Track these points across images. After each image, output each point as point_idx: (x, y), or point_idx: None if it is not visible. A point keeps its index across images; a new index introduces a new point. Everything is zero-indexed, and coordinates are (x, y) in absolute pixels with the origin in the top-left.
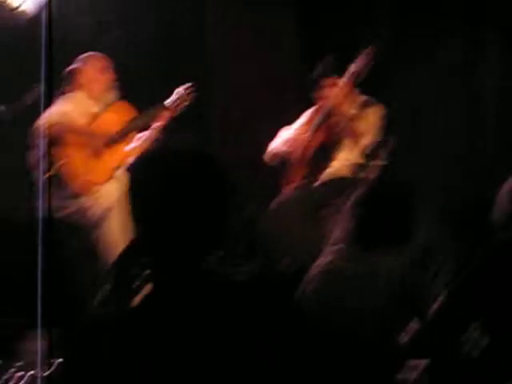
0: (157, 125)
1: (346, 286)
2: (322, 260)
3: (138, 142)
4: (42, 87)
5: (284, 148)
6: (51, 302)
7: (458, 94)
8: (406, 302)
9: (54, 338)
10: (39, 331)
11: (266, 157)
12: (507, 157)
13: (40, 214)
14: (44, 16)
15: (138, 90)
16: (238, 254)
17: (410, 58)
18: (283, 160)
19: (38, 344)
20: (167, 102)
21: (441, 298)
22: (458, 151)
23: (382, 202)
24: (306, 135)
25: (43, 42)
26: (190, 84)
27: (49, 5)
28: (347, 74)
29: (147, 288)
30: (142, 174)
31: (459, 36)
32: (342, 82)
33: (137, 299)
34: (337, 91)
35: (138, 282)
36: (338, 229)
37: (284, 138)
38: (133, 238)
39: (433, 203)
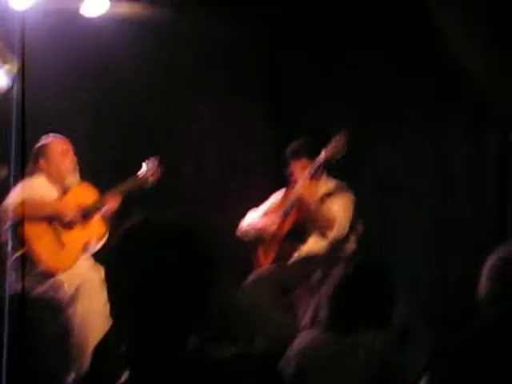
0: (111, 205)
1: (325, 368)
2: (299, 342)
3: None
4: (13, 166)
5: (257, 226)
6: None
7: (427, 170)
8: (387, 379)
9: None
10: None
11: (239, 232)
12: (480, 230)
13: (7, 291)
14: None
15: (100, 172)
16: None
17: (379, 137)
18: (256, 237)
19: None
20: (139, 173)
21: (423, 381)
22: (431, 228)
23: (358, 285)
24: (278, 218)
25: (14, 121)
26: (156, 158)
27: (22, 84)
28: (316, 161)
29: (125, 374)
30: (119, 253)
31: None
32: (309, 170)
33: None
34: (304, 182)
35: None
36: (314, 310)
37: (257, 217)
38: (112, 320)
39: (407, 282)
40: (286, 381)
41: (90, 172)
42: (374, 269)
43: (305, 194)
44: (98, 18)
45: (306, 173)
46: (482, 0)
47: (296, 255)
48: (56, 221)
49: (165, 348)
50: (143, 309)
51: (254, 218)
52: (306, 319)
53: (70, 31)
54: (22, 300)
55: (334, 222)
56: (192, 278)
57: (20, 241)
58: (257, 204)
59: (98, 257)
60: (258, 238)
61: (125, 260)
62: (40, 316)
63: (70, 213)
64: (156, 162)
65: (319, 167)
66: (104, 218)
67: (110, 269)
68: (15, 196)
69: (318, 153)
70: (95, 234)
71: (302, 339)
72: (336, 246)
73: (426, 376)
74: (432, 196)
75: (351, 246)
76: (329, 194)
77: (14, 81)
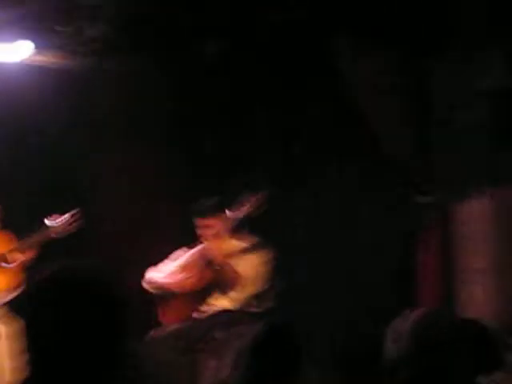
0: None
1: None
2: None
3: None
4: None
5: (159, 282)
6: None
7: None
8: None
9: None
10: None
11: (145, 284)
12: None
13: None
14: None
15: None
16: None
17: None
18: (163, 291)
19: None
20: (51, 223)
21: None
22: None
23: (267, 351)
24: (189, 276)
25: None
26: (72, 212)
27: None
28: (233, 217)
29: None
30: (32, 304)
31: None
32: (224, 226)
33: None
34: (214, 238)
35: None
36: (217, 370)
37: (166, 271)
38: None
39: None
40: None
41: (7, 219)
42: (287, 331)
43: (211, 249)
44: (15, 64)
45: (218, 229)
46: None
47: (199, 313)
48: None
49: None
50: (58, 358)
51: (155, 274)
52: (207, 377)
53: None
54: None
55: (237, 280)
56: (103, 325)
57: None
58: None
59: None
60: (162, 294)
61: (37, 311)
62: None
63: None
64: (70, 216)
65: (234, 224)
66: (20, 267)
67: (27, 319)
68: None
69: (222, 211)
70: (10, 283)
71: None
72: (245, 303)
73: None
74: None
75: (267, 303)
76: (242, 252)
77: None
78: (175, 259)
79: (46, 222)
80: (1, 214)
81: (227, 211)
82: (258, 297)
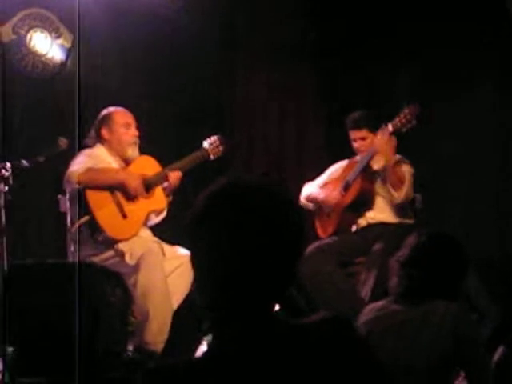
0: (173, 179)
1: (395, 336)
2: (369, 311)
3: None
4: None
5: (319, 198)
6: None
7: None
8: (458, 351)
9: None
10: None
11: (301, 201)
12: None
13: (77, 259)
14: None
15: (161, 145)
16: None
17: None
18: (316, 208)
19: None
20: (201, 148)
21: (500, 351)
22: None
23: (432, 255)
24: (339, 188)
25: (76, 94)
26: (219, 136)
27: (78, 53)
28: (388, 128)
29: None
30: (207, 211)
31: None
32: (387, 132)
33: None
34: (384, 136)
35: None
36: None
37: (316, 187)
38: (196, 281)
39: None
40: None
41: (151, 147)
42: (448, 240)
43: (385, 147)
44: None
45: (385, 131)
46: None
47: (356, 226)
48: (119, 191)
49: (250, 311)
50: (230, 271)
51: (312, 190)
52: (366, 289)
53: (127, 6)
54: (83, 268)
55: (403, 182)
56: (285, 241)
57: (82, 209)
58: (312, 179)
59: (157, 231)
60: (319, 209)
61: (212, 222)
62: (101, 285)
63: (133, 182)
64: (218, 140)
65: (393, 132)
66: (166, 191)
67: (196, 229)
68: (77, 165)
69: (379, 124)
70: (157, 206)
71: (371, 308)
72: (398, 215)
73: (501, 349)
74: (490, 169)
75: (411, 220)
76: (397, 162)
77: (67, 55)
78: (326, 174)
79: (204, 143)
80: (138, 140)
81: (377, 124)
82: (406, 211)
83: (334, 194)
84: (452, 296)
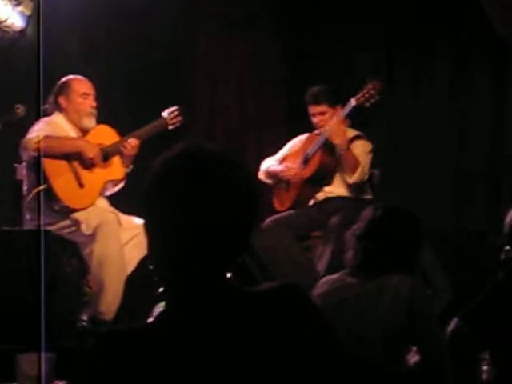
0: (131, 148)
1: (349, 310)
2: (323, 283)
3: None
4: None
5: (277, 170)
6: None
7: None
8: (411, 325)
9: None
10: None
11: (260, 175)
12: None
13: (41, 227)
14: (33, 32)
15: (119, 115)
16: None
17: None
18: (276, 181)
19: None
20: (159, 117)
21: (454, 323)
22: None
23: (388, 228)
24: (298, 162)
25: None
26: (177, 107)
27: (38, 21)
28: (348, 105)
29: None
30: (162, 176)
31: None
32: (341, 113)
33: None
34: (336, 121)
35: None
36: (331, 254)
37: (275, 161)
38: (149, 246)
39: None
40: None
41: (109, 116)
42: (404, 214)
43: (337, 132)
44: None
45: (338, 114)
46: None
47: (314, 199)
48: (76, 160)
49: (204, 276)
50: (184, 235)
51: (272, 163)
52: (322, 262)
53: None
54: (39, 237)
55: (358, 165)
56: (241, 207)
57: (39, 177)
58: (271, 154)
59: (113, 201)
60: (278, 182)
61: (166, 185)
62: (56, 254)
63: (91, 151)
64: (177, 110)
65: (349, 112)
66: (123, 161)
67: (150, 195)
68: (34, 133)
69: (338, 99)
70: (114, 175)
71: (325, 281)
72: (355, 191)
73: (454, 321)
74: (448, 146)
75: (368, 196)
76: (351, 139)
77: (27, 22)
78: (286, 149)
79: (163, 113)
80: (96, 110)
81: (336, 99)
82: (363, 186)
83: (292, 167)
84: (407, 270)
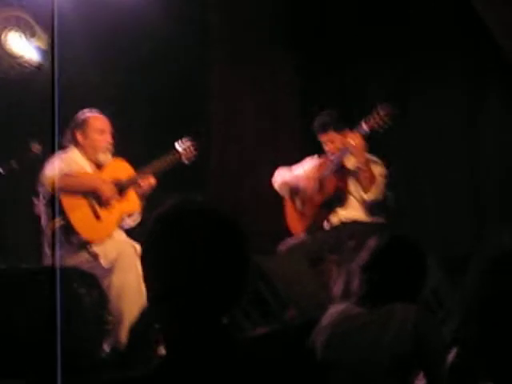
0: (147, 182)
1: (355, 340)
2: (330, 314)
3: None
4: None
5: (292, 182)
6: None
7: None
8: (417, 352)
9: None
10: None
11: (275, 185)
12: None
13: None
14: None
15: (133, 149)
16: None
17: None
18: (290, 192)
19: None
20: (173, 151)
21: (454, 351)
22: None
23: (391, 257)
24: (315, 184)
25: (56, 96)
26: (191, 138)
27: (52, 57)
28: (360, 129)
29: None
30: (154, 237)
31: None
32: (357, 134)
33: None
34: (356, 137)
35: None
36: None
37: (292, 173)
38: (148, 298)
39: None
40: (316, 354)
41: (124, 148)
42: (407, 242)
43: (357, 149)
44: None
45: (359, 132)
46: None
47: (330, 223)
48: (92, 194)
49: (199, 326)
50: (179, 289)
51: (288, 173)
52: (336, 289)
53: (102, 5)
54: (57, 271)
55: (374, 181)
56: (225, 257)
57: (56, 212)
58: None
59: (131, 234)
60: (291, 202)
61: (159, 243)
62: (75, 288)
63: (107, 190)
64: (190, 142)
65: (366, 132)
66: (140, 194)
67: (147, 251)
68: (51, 169)
69: (344, 123)
70: (131, 208)
71: (333, 311)
72: (370, 212)
73: (454, 351)
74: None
75: (381, 220)
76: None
77: (43, 55)
78: (302, 167)
79: (177, 145)
80: (112, 145)
81: (343, 126)
82: (379, 208)
83: (313, 178)
84: (412, 298)
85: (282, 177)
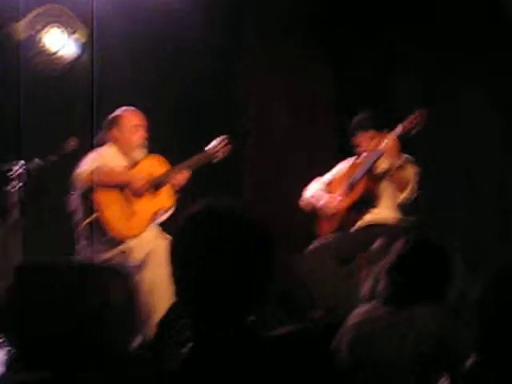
0: (180, 179)
1: (378, 341)
2: (355, 314)
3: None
4: (92, 135)
5: (319, 202)
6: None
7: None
8: (441, 354)
9: None
10: None
11: (302, 203)
12: None
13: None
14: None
15: (169, 146)
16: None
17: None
18: (318, 211)
19: None
20: (207, 148)
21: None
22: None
23: (417, 260)
24: (343, 190)
25: (94, 92)
26: (226, 136)
27: (91, 53)
28: (397, 131)
29: (188, 346)
30: (184, 235)
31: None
32: (395, 131)
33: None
34: (392, 137)
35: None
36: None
37: (321, 187)
38: (175, 295)
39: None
40: (341, 354)
41: (159, 145)
42: (434, 245)
43: (392, 149)
44: None
45: (393, 133)
46: None
47: (359, 223)
48: (126, 189)
49: (225, 323)
50: (205, 288)
51: (317, 189)
52: (365, 290)
53: (140, 2)
54: (91, 266)
55: (408, 182)
56: (252, 259)
57: (90, 208)
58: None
59: (163, 227)
60: (319, 212)
61: (188, 242)
62: (107, 282)
63: (140, 182)
64: (225, 140)
65: (401, 134)
66: (173, 190)
67: (175, 248)
68: (87, 164)
69: (385, 125)
70: (164, 204)
71: (358, 312)
72: (402, 211)
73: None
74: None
75: (413, 219)
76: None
77: (82, 50)
78: (332, 172)
79: (211, 143)
80: (147, 140)
81: (384, 125)
82: (409, 210)
83: (334, 198)
84: (436, 301)
85: (310, 192)
